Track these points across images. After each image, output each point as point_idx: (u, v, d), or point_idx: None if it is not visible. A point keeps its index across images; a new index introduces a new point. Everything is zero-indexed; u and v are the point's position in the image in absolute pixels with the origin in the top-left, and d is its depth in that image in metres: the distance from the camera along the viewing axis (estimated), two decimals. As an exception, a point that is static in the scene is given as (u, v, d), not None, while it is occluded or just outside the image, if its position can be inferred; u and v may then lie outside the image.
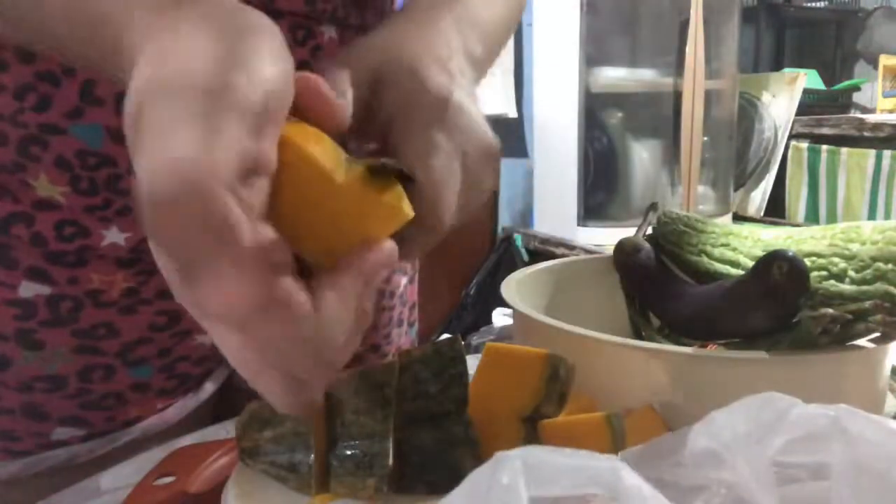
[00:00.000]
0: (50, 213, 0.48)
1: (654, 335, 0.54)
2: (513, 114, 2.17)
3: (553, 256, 1.68)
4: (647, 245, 0.57)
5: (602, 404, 0.41)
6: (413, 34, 0.38)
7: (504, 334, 1.81)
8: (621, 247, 0.57)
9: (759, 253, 0.49)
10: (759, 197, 2.16)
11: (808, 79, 2.21)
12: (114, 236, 0.50)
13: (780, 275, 0.41)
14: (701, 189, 1.88)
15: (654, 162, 1.87)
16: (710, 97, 1.81)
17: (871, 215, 1.94)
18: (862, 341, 0.42)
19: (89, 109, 0.46)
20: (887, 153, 1.89)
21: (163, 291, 0.53)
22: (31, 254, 0.49)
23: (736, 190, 2.12)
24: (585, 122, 1.82)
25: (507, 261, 2.12)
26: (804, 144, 2.08)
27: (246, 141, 0.26)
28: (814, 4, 2.75)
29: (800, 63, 2.46)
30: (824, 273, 0.45)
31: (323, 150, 0.30)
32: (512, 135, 2.19)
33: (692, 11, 1.72)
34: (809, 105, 2.22)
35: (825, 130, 2.07)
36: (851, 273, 0.44)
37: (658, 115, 1.84)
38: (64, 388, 0.51)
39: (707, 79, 1.77)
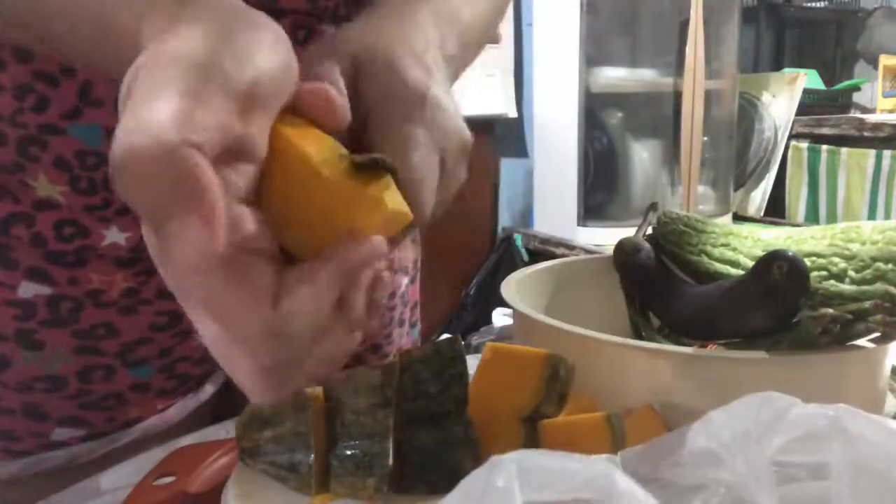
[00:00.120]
0: (49, 213, 0.48)
1: (654, 335, 0.54)
2: (513, 114, 2.17)
3: (553, 256, 1.68)
4: (647, 245, 0.57)
5: (602, 404, 0.41)
6: (389, 26, 0.38)
7: (504, 334, 1.81)
8: (621, 247, 0.57)
9: (759, 253, 0.49)
10: (759, 197, 2.16)
11: (808, 79, 2.21)
12: (114, 236, 0.50)
13: (780, 275, 0.41)
14: (701, 189, 1.88)
15: (654, 162, 1.87)
16: (710, 97, 1.81)
17: (871, 215, 1.94)
18: (862, 341, 0.42)
19: (88, 109, 0.47)
20: (887, 153, 1.89)
21: (163, 291, 0.53)
22: (31, 254, 0.49)
23: (736, 190, 2.12)
24: (585, 122, 1.82)
25: (507, 261, 2.12)
26: (804, 144, 2.08)
27: (229, 119, 0.27)
28: (814, 4, 2.75)
29: (800, 63, 2.46)
30: (824, 273, 0.45)
31: (314, 143, 0.30)
32: (512, 135, 2.19)
33: (692, 11, 1.72)
34: (809, 105, 2.22)
35: (825, 130, 2.07)
36: (851, 273, 0.44)
37: (658, 115, 1.84)
38: (64, 389, 0.51)
39: (707, 79, 1.77)
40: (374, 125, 0.35)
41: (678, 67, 1.77)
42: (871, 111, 2.37)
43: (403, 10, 0.40)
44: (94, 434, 0.53)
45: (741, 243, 0.52)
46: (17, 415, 0.51)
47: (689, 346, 0.49)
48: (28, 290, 0.49)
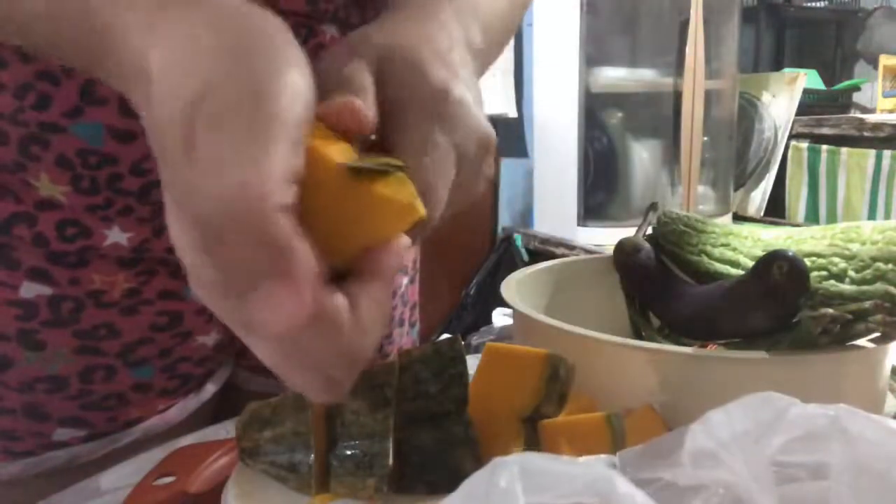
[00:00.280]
0: (51, 212, 0.48)
1: (654, 335, 0.54)
2: (513, 114, 2.17)
3: (553, 256, 1.68)
4: (647, 245, 0.57)
5: (602, 404, 0.41)
6: (413, 26, 0.38)
7: (504, 334, 1.81)
8: (621, 247, 0.57)
9: (759, 253, 0.49)
10: (759, 197, 2.16)
11: (808, 79, 2.21)
12: (116, 236, 0.50)
13: (780, 275, 0.41)
14: (701, 189, 1.88)
15: (654, 162, 1.87)
16: (710, 97, 1.81)
17: (871, 215, 1.94)
18: (862, 341, 0.42)
19: (90, 108, 0.46)
20: (887, 153, 1.89)
21: (164, 292, 0.53)
22: (33, 254, 0.49)
23: (736, 190, 2.12)
24: (585, 122, 1.82)
25: (507, 261, 2.12)
26: (804, 144, 2.08)
27: (291, 159, 0.27)
28: (814, 4, 2.75)
29: (800, 63, 2.46)
30: (824, 273, 0.45)
31: (338, 153, 0.30)
32: (512, 135, 2.19)
33: (692, 11, 1.72)
34: (809, 105, 2.22)
35: (825, 130, 2.07)
36: (851, 273, 0.44)
37: (658, 115, 1.84)
38: (65, 389, 0.51)
39: (707, 79, 1.77)
40: (393, 125, 0.35)
41: (678, 67, 1.77)
42: (871, 111, 2.36)
43: (427, 9, 0.40)
44: (94, 434, 0.53)
45: (741, 243, 0.52)
46: (18, 415, 0.51)
47: (689, 346, 0.49)
48: (30, 290, 0.49)
